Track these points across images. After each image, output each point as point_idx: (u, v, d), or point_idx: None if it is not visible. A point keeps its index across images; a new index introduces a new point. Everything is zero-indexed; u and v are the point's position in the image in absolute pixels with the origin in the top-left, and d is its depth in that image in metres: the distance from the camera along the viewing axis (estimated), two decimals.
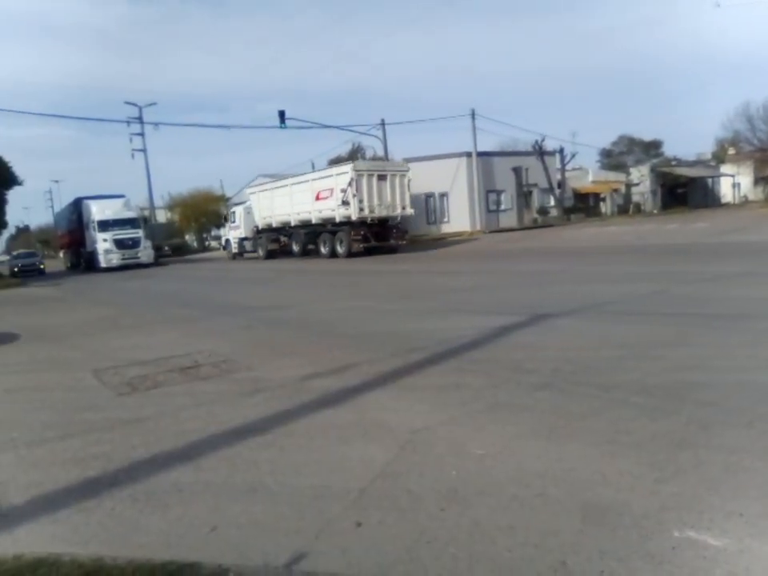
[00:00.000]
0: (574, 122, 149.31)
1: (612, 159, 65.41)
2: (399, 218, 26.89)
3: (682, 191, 49.89)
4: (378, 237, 26.04)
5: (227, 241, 36.71)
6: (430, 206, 38.66)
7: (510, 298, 9.65)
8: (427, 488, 2.89)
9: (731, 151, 57.13)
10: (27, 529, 2.84)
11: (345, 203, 25.26)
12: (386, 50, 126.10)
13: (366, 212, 25.19)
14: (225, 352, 6.75)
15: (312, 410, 4.30)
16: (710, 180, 51.45)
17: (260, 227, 32.06)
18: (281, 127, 29.79)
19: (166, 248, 46.55)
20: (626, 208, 37.30)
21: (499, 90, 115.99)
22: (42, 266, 37.31)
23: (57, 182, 75.89)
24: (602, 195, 49.93)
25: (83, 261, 36.08)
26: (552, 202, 42.21)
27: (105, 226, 32.71)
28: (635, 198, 46.45)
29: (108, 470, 3.49)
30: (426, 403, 4.24)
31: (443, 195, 38.00)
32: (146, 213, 43.63)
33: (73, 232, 38.32)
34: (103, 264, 32.18)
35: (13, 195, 37.43)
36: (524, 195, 40.17)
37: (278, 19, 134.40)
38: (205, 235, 58.66)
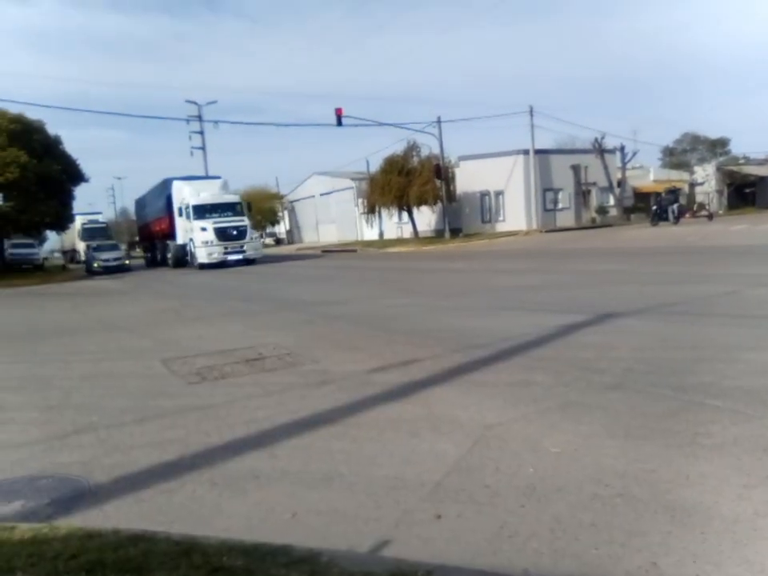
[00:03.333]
0: (635, 119, 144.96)
1: (675, 158, 63.30)
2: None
3: (751, 191, 47.83)
4: None
5: None
6: (485, 204, 38.33)
7: (572, 297, 9.46)
8: (504, 483, 2.86)
9: None
10: (115, 506, 2.97)
11: None
12: (440, 49, 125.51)
13: None
14: (288, 345, 6.86)
15: (379, 403, 4.32)
16: None
17: None
18: (337, 125, 29.97)
19: None
20: (690, 207, 36.01)
21: (557, 87, 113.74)
22: (127, 262, 32.59)
23: (119, 179, 78.55)
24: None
25: (172, 256, 29.29)
26: (611, 202, 41.16)
27: (202, 211, 26.48)
28: (699, 198, 44.80)
29: (185, 455, 3.60)
30: (496, 399, 4.20)
31: (499, 194, 37.60)
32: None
33: (158, 221, 32.23)
34: (202, 259, 25.75)
35: (79, 191, 36.28)
36: (582, 194, 39.33)
37: (322, 27, 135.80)
38: (261, 232, 59.78)
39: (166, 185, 30.32)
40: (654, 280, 11.04)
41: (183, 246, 28.19)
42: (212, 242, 25.88)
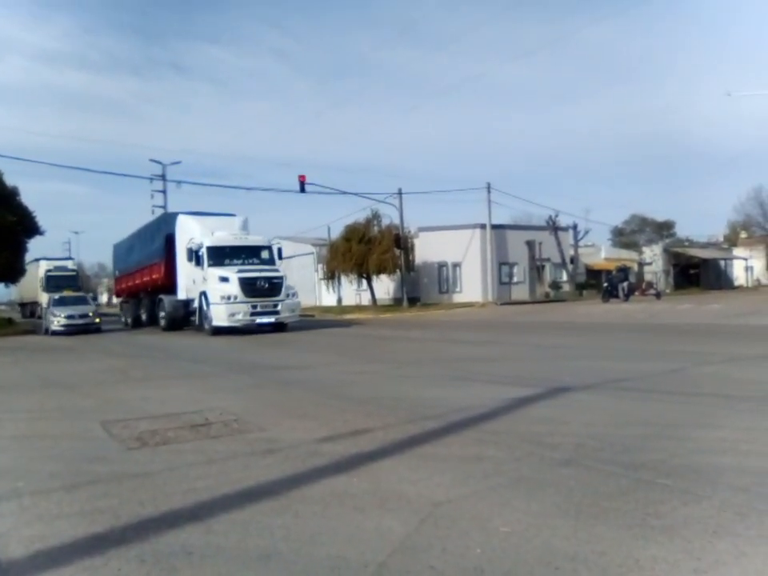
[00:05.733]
0: (587, 199, 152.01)
1: (624, 237, 66.09)
2: None
3: (695, 272, 50.05)
4: None
5: None
6: (442, 275, 38.94)
7: (526, 370, 9.51)
8: (451, 565, 2.73)
9: (743, 234, 57.71)
10: None
11: None
12: (402, 124, 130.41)
13: None
14: (236, 410, 6.63)
15: (326, 476, 4.16)
16: (722, 262, 51.64)
17: None
18: (300, 191, 30.32)
19: None
20: (640, 285, 37.33)
21: (513, 165, 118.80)
22: (97, 320, 25.10)
23: (77, 233, 75.49)
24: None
25: (166, 315, 22.79)
26: (564, 277, 42.38)
27: (219, 256, 20.17)
28: (648, 277, 46.50)
29: (115, 527, 3.35)
30: (446, 474, 4.09)
31: (456, 265, 38.32)
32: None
33: (148, 269, 25.18)
34: (218, 321, 19.09)
35: (33, 244, 33.12)
36: (537, 269, 40.40)
37: (289, 97, 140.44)
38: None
39: (165, 221, 24.34)
40: (605, 355, 11.23)
41: (186, 303, 21.91)
42: (235, 297, 18.96)
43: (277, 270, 20.77)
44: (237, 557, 2.92)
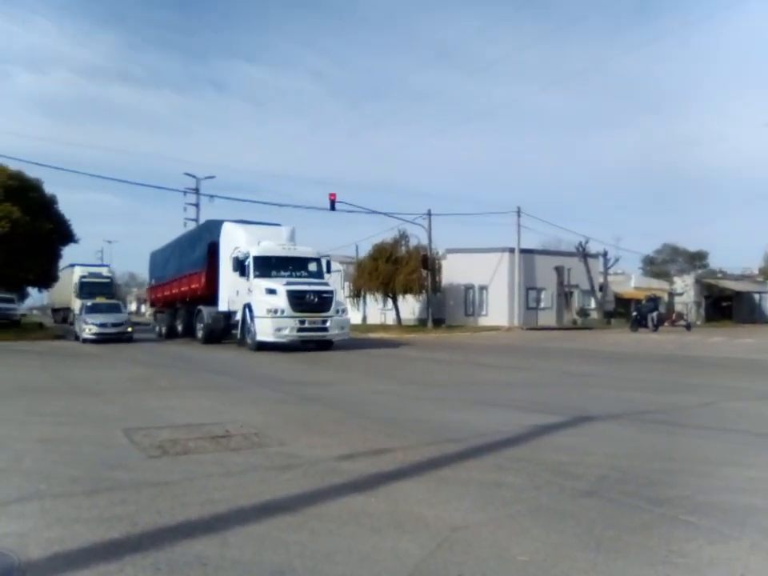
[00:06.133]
0: (618, 227, 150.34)
1: (655, 267, 65.13)
2: None
3: (727, 305, 48.91)
4: None
5: None
6: (468, 297, 38.76)
7: (550, 397, 9.36)
8: None
9: None
10: None
11: None
12: (434, 145, 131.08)
13: None
14: (257, 424, 6.65)
15: (344, 494, 4.13)
16: (757, 295, 50.37)
17: None
18: (330, 209, 30.60)
19: None
20: (669, 316, 36.65)
21: (545, 190, 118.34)
22: (130, 329, 24.28)
23: (110, 242, 77.03)
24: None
25: (204, 326, 21.94)
26: (593, 305, 41.84)
27: (266, 267, 19.08)
28: (678, 308, 45.66)
29: (132, 534, 3.37)
30: (465, 499, 4.03)
31: (483, 288, 38.11)
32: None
33: (187, 279, 23.97)
34: (264, 336, 18.00)
35: (67, 251, 34.04)
36: (565, 295, 39.97)
37: (322, 117, 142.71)
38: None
39: (209, 229, 23.13)
40: (632, 386, 11.01)
41: (227, 315, 20.84)
42: (282, 311, 17.81)
43: (327, 284, 19.58)
44: (251, 571, 2.91)
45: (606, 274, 44.40)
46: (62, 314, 43.08)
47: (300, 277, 19.48)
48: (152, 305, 34.34)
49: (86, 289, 36.50)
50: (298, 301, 18.08)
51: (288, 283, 18.45)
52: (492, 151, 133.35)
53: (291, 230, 21.63)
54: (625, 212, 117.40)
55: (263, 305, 18.02)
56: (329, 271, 21.05)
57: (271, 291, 18.25)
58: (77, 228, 31.72)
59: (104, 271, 43.41)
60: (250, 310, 18.61)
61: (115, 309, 26.24)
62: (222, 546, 3.20)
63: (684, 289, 48.92)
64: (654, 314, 32.33)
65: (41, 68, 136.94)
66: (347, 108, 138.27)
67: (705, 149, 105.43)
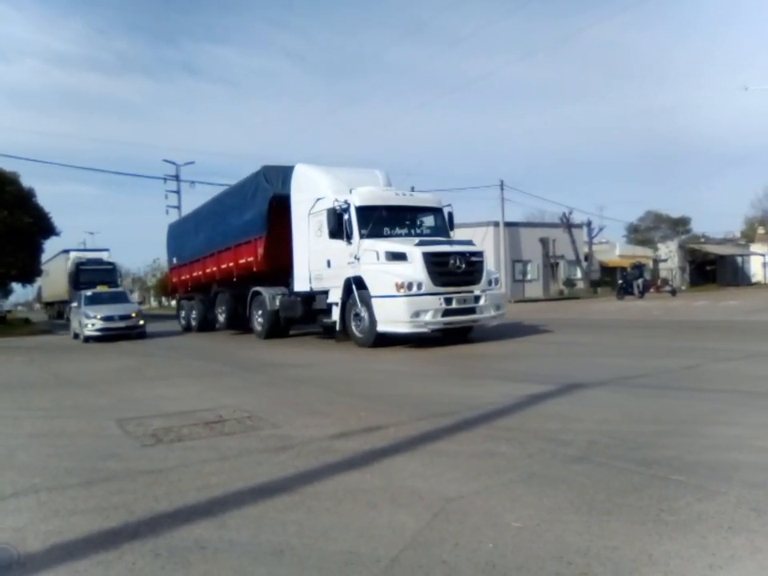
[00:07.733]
0: (601, 196, 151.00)
1: (639, 234, 65.64)
2: None
3: (711, 268, 49.56)
4: None
5: None
6: None
7: (539, 367, 9.47)
8: (463, 560, 2.74)
9: (761, 230, 57.07)
10: None
11: None
12: (414, 121, 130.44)
13: None
14: (249, 407, 6.67)
15: (339, 472, 4.17)
16: (739, 258, 51.07)
17: None
18: None
19: None
20: (655, 282, 37.06)
21: (527, 163, 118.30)
22: (141, 322, 19.99)
23: (92, 233, 75.47)
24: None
25: (266, 313, 16.30)
26: (579, 275, 42.16)
27: (377, 222, 13.03)
28: (663, 274, 46.14)
29: (129, 522, 3.39)
30: (458, 470, 4.08)
31: None
32: None
33: (235, 250, 18.05)
34: (391, 325, 12.13)
35: (48, 245, 33.14)
36: (550, 266, 40.25)
37: (299, 96, 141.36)
38: None
39: (266, 178, 16.29)
40: (620, 352, 11.15)
41: (307, 298, 14.80)
42: (420, 285, 11.96)
43: (471, 243, 13.75)
44: (250, 551, 2.94)
45: (590, 243, 44.71)
46: (57, 309, 38.75)
47: (421, 235, 13.67)
48: (173, 291, 28.06)
49: (85, 277, 31.24)
50: (439, 269, 12.25)
51: (421, 243, 12.53)
52: (471, 125, 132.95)
53: (387, 175, 15.97)
54: (607, 181, 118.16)
55: (386, 277, 12.05)
56: (452, 228, 14.73)
57: (398, 256, 12.33)
58: (57, 220, 31.36)
59: (104, 256, 37.56)
60: (361, 287, 12.67)
61: (121, 298, 21.70)
62: (221, 529, 3.23)
63: (668, 255, 49.42)
64: (640, 281, 32.68)
65: (7, 57, 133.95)
66: (323, 86, 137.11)
67: (682, 115, 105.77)
